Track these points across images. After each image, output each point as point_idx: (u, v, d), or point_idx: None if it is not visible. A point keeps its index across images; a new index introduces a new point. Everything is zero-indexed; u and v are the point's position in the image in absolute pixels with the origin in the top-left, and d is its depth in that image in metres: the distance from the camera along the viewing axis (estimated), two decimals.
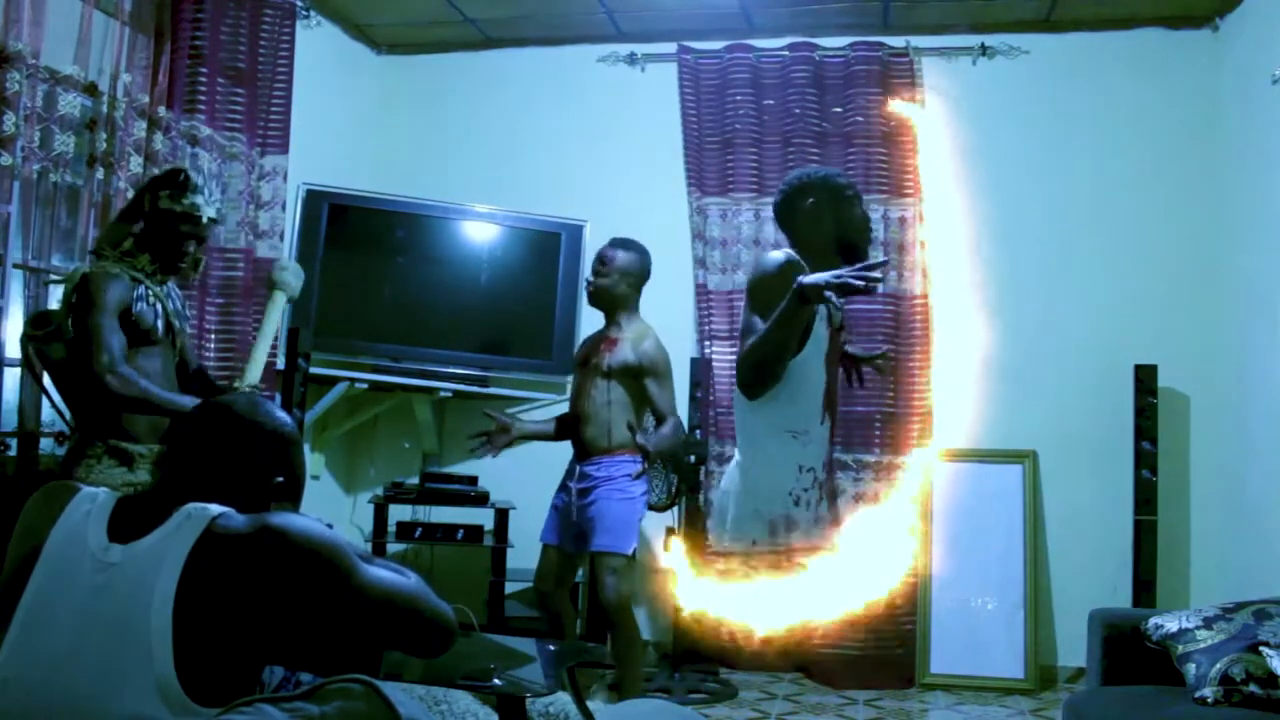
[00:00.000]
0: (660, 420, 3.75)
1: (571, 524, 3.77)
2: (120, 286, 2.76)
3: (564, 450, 4.97)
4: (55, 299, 3.05)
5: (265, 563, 1.54)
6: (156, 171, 3.63)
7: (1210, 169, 4.55)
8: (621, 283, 3.79)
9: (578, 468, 3.80)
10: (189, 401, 2.73)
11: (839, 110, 4.78)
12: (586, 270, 4.79)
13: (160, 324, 2.87)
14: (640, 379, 3.73)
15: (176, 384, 2.95)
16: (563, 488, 3.87)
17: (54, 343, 2.81)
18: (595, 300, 3.85)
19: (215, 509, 1.59)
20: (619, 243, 3.86)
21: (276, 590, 1.54)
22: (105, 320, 2.70)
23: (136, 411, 2.75)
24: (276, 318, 3.52)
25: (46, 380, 2.89)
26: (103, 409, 2.74)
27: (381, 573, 1.68)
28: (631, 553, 3.72)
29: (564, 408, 4.94)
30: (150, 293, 2.85)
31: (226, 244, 4.03)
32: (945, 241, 4.74)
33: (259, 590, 1.53)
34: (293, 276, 3.56)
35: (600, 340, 3.85)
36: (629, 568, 3.72)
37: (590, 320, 4.82)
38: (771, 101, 4.84)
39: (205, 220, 2.90)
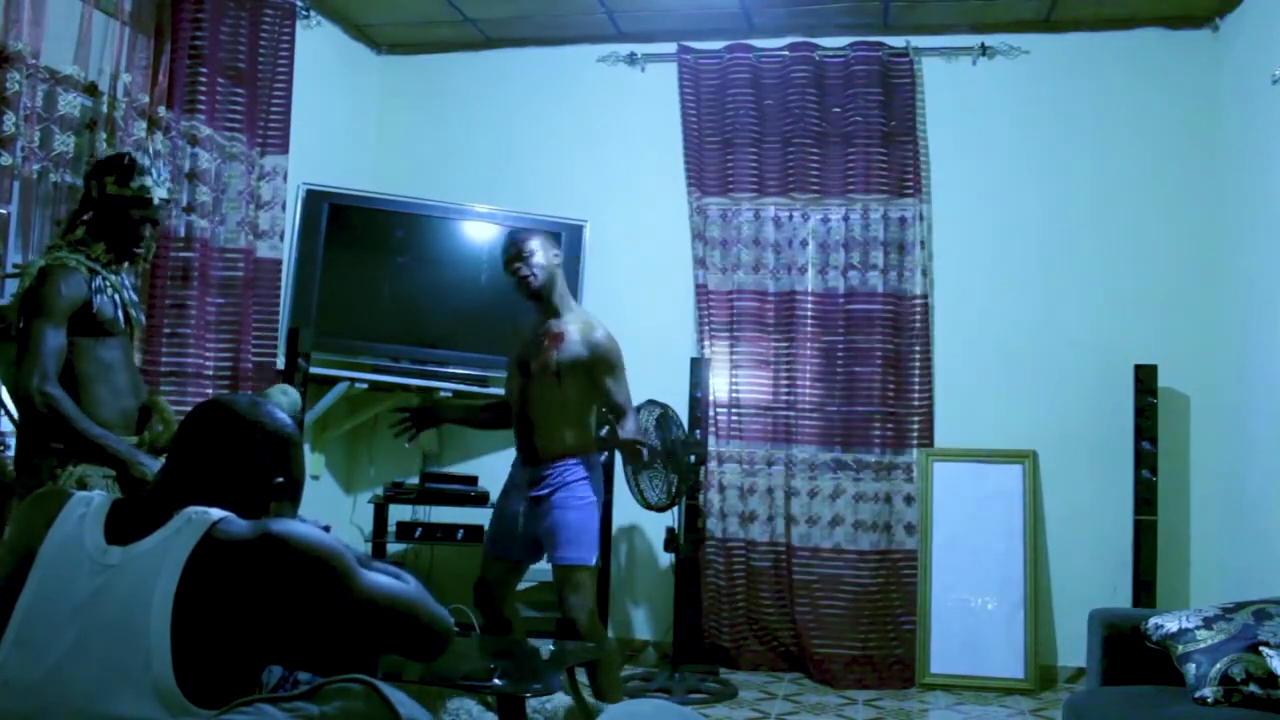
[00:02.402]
0: (620, 415, 3.46)
1: (523, 533, 3.52)
2: (76, 283, 2.67)
3: None
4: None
5: (266, 569, 1.54)
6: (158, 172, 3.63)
7: (1210, 169, 4.55)
8: (552, 268, 3.48)
9: (528, 473, 3.51)
10: (113, 440, 2.64)
11: (839, 110, 4.78)
12: (587, 270, 4.82)
13: (120, 314, 2.81)
14: (593, 374, 3.43)
15: (136, 375, 2.91)
16: (508, 494, 3.59)
17: (5, 342, 2.74)
18: (536, 293, 3.47)
19: (216, 513, 1.58)
20: (524, 230, 3.64)
21: (277, 596, 1.54)
22: (48, 330, 2.61)
23: (60, 432, 2.63)
24: None
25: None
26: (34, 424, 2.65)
27: (381, 579, 1.68)
28: (595, 563, 3.52)
29: None
30: (108, 284, 2.77)
31: (226, 244, 4.03)
32: (945, 241, 4.75)
33: (259, 596, 1.53)
34: (288, 406, 3.20)
35: (540, 336, 3.49)
36: (593, 579, 3.51)
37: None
38: (771, 101, 4.84)
39: (156, 202, 2.81)
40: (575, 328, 3.47)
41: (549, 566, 4.87)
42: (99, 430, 2.65)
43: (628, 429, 3.46)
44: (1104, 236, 4.65)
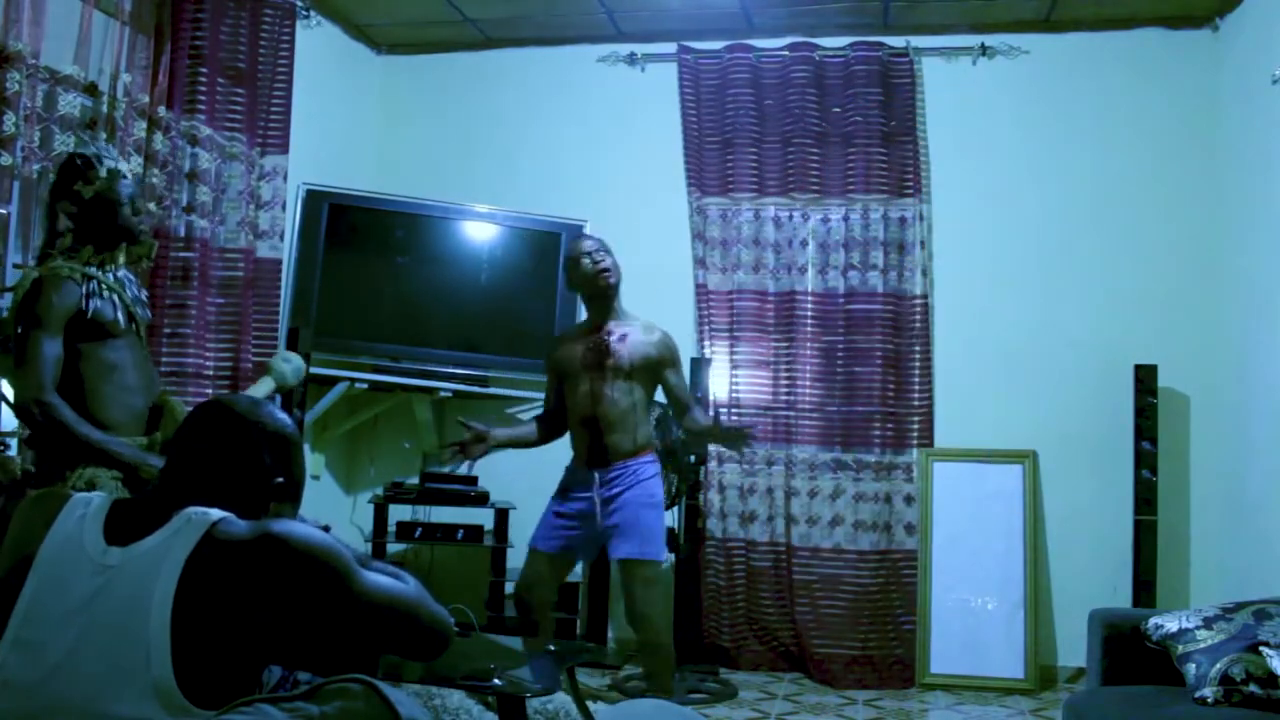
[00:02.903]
0: (687, 408, 3.55)
1: (587, 533, 3.54)
2: (68, 291, 2.66)
3: (564, 452, 4.99)
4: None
5: (266, 569, 1.54)
6: (158, 171, 3.63)
7: (1210, 169, 4.55)
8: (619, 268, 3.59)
9: (598, 475, 3.51)
10: (115, 444, 2.65)
11: (839, 110, 4.78)
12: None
13: (121, 315, 2.78)
14: (660, 370, 3.54)
15: (149, 373, 2.90)
16: (572, 496, 3.59)
17: (3, 353, 2.73)
18: (610, 289, 3.55)
19: (216, 513, 1.58)
20: (591, 235, 3.72)
21: (277, 597, 1.54)
22: (45, 340, 2.61)
23: (61, 439, 2.64)
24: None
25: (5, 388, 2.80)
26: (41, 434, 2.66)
27: (381, 579, 1.68)
28: (664, 560, 3.51)
29: None
30: (104, 286, 2.76)
31: (226, 244, 4.03)
32: (945, 241, 4.75)
33: (259, 596, 1.53)
34: (291, 372, 3.29)
35: (604, 337, 3.55)
36: (663, 576, 3.51)
37: None
38: (771, 101, 4.84)
39: (127, 176, 2.83)
40: (638, 326, 3.58)
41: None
42: (100, 435, 2.65)
43: (708, 418, 3.55)
44: (1104, 236, 4.65)
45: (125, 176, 2.82)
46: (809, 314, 4.76)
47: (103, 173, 2.76)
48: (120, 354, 2.78)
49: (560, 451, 4.96)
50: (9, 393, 2.80)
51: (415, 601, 1.71)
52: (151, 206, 3.57)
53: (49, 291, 2.64)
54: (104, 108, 3.45)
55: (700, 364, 4.71)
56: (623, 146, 5.03)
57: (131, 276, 2.90)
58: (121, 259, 2.83)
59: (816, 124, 4.80)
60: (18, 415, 2.67)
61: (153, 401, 2.86)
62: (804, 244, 4.79)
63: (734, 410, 4.78)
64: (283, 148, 4.25)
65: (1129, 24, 4.66)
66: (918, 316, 4.71)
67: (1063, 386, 4.63)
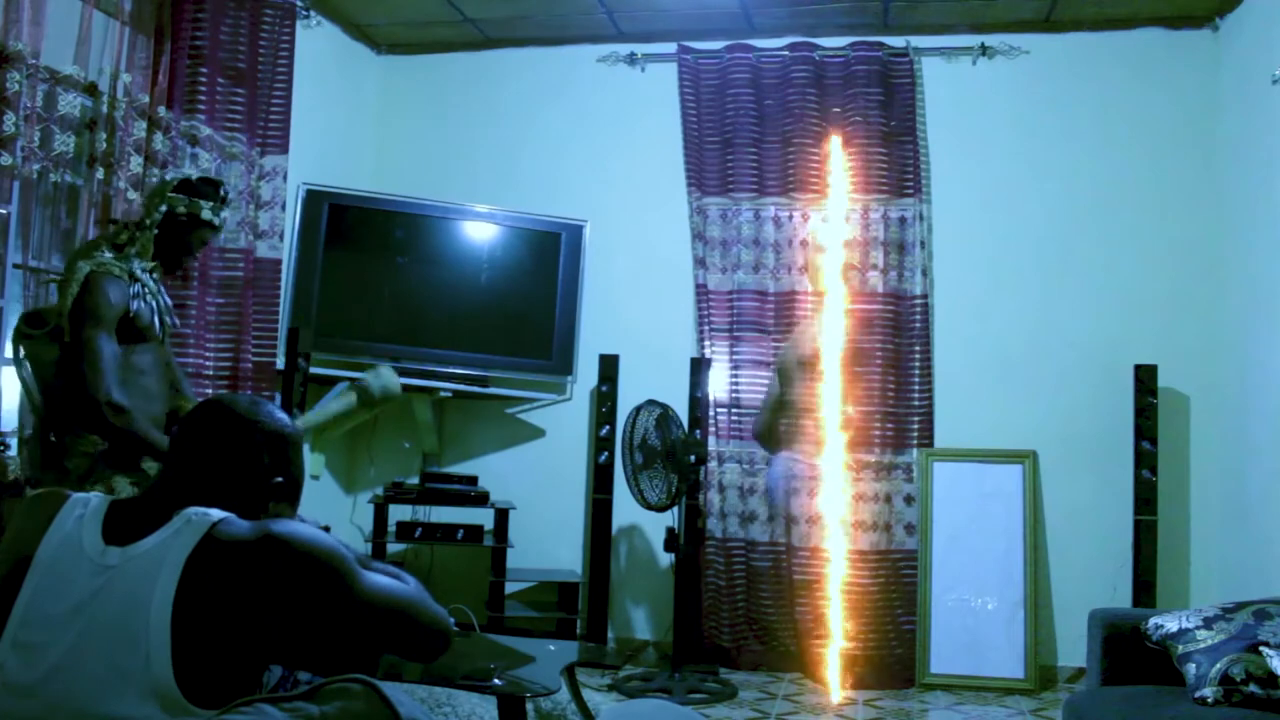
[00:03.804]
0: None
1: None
2: (120, 289, 2.78)
3: (564, 452, 5.03)
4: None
5: (267, 570, 1.54)
6: (157, 171, 3.64)
7: (1210, 169, 4.55)
8: None
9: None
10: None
11: (839, 110, 4.78)
12: (587, 269, 4.83)
13: (157, 321, 2.91)
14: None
15: (171, 377, 3.02)
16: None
17: (50, 343, 2.80)
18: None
19: (216, 513, 1.58)
20: None
21: (278, 597, 1.54)
22: (104, 338, 2.72)
23: (120, 440, 2.75)
24: (337, 408, 3.23)
25: (29, 376, 2.86)
26: (97, 429, 2.75)
27: (381, 579, 1.68)
28: None
29: (563, 408, 4.97)
30: (146, 291, 2.87)
31: (226, 244, 4.03)
32: (945, 241, 4.75)
33: (260, 597, 1.53)
34: (378, 387, 3.23)
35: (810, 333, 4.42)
36: None
37: (589, 321, 4.84)
38: (771, 101, 4.84)
39: (217, 223, 3.01)
40: None
41: (550, 569, 4.91)
42: (162, 437, 2.75)
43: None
44: (1104, 236, 4.65)
45: (213, 224, 2.99)
46: (809, 314, 4.76)
47: (204, 205, 2.94)
48: (146, 358, 2.89)
49: (560, 451, 4.98)
50: (13, 382, 2.85)
51: (415, 601, 1.71)
52: None
53: (104, 288, 2.75)
54: (104, 108, 3.45)
55: (700, 364, 4.71)
56: (623, 146, 5.03)
57: (163, 287, 3.03)
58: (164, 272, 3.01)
59: (816, 124, 4.80)
60: (87, 410, 2.72)
61: (169, 408, 2.92)
62: (804, 244, 4.79)
63: (734, 410, 4.78)
64: (282, 148, 4.25)
65: (1129, 24, 4.66)
66: (918, 316, 4.71)
67: (1063, 386, 4.63)
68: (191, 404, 2.97)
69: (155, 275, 2.94)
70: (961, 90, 4.78)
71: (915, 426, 4.69)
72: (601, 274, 4.89)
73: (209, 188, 3.00)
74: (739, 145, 4.86)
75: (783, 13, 4.76)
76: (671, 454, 4.22)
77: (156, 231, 2.91)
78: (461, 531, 4.54)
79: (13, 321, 3.20)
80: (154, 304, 2.90)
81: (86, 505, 1.63)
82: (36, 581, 1.56)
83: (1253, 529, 4.08)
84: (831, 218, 4.77)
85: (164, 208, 2.92)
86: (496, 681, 2.18)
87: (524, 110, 5.14)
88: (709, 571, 4.72)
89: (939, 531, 4.60)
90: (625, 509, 4.61)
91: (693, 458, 4.28)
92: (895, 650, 4.54)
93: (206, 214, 2.95)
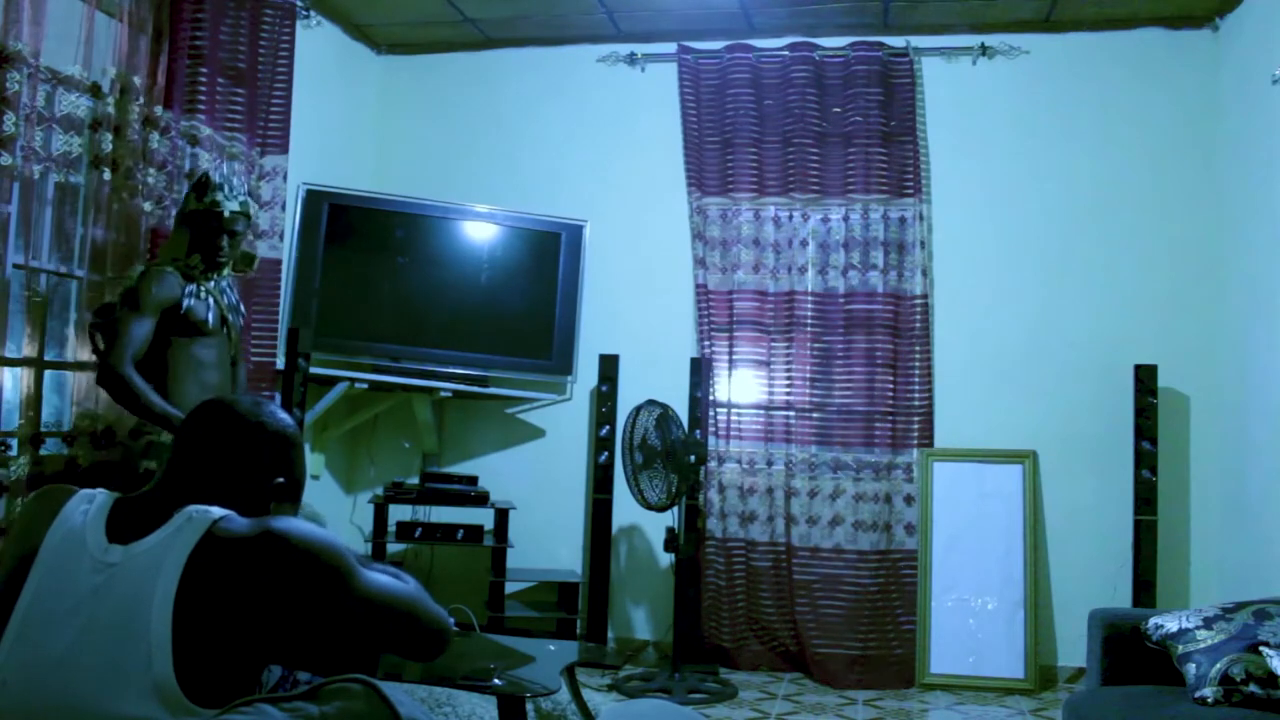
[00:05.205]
0: None
1: None
2: (169, 284, 3.10)
3: (564, 452, 5.03)
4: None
5: (267, 567, 1.54)
6: (155, 172, 3.64)
7: (1210, 169, 4.55)
8: None
9: None
10: (175, 412, 2.99)
11: (839, 110, 4.78)
12: (587, 269, 4.82)
13: (213, 317, 3.22)
14: None
15: (233, 373, 3.34)
16: None
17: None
18: None
19: (217, 511, 1.58)
20: None
21: (277, 595, 1.54)
22: (134, 320, 3.02)
23: (129, 408, 3.02)
24: None
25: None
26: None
27: (381, 578, 1.68)
28: None
29: (563, 408, 4.98)
30: (202, 289, 3.20)
31: None
32: (945, 241, 4.75)
33: (260, 594, 1.53)
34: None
35: None
36: None
37: (589, 321, 4.84)
38: (771, 101, 4.84)
39: (227, 214, 3.23)
40: None
41: (550, 569, 4.91)
42: (164, 404, 3.01)
43: None
44: (1104, 236, 4.65)
45: (224, 214, 3.23)
46: (809, 314, 4.76)
47: (206, 199, 3.22)
48: (207, 352, 3.22)
49: (560, 451, 4.99)
50: None
51: (415, 601, 1.71)
52: (148, 206, 3.58)
53: (150, 279, 3.10)
54: (108, 109, 3.44)
55: (700, 364, 4.71)
56: (623, 146, 5.03)
57: (230, 286, 3.35)
58: (227, 269, 3.26)
59: (816, 124, 4.80)
60: (103, 382, 3.04)
61: None
62: (804, 244, 4.79)
63: (734, 410, 4.78)
64: (282, 148, 4.25)
65: (1129, 24, 4.66)
66: (918, 316, 4.71)
67: (1063, 387, 4.63)
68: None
69: (218, 275, 3.25)
70: (961, 90, 4.78)
71: (915, 426, 4.69)
72: (601, 274, 4.90)
73: (213, 181, 3.27)
74: (739, 145, 4.86)
75: (783, 13, 4.76)
76: (671, 454, 4.23)
77: (188, 232, 3.21)
78: (461, 531, 4.54)
79: (13, 321, 3.23)
80: (210, 301, 3.18)
81: (91, 502, 1.63)
82: (40, 578, 1.56)
83: (1253, 529, 4.08)
84: (831, 218, 4.77)
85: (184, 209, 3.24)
86: (496, 681, 2.18)
87: (524, 110, 5.14)
88: (709, 571, 4.72)
89: (939, 531, 4.61)
90: (625, 509, 4.61)
91: (693, 458, 4.28)
92: (895, 650, 4.54)
93: (207, 202, 3.22)
